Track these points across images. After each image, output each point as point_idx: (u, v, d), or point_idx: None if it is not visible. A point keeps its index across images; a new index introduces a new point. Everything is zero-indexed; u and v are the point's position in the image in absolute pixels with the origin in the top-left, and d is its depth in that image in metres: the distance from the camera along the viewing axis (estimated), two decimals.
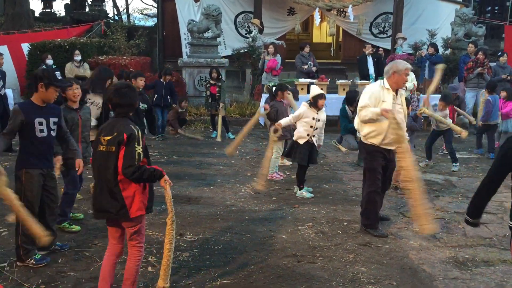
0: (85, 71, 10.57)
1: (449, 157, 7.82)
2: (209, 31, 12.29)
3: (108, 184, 3.30)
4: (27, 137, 4.05)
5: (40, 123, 4.05)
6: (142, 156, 3.27)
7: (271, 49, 11.11)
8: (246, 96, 12.57)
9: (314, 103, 6.12)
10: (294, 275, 4.11)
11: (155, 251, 4.48)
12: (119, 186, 3.29)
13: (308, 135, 6.15)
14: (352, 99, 7.99)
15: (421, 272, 4.22)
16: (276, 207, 5.86)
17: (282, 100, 7.19)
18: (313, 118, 6.11)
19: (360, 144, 5.29)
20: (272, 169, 7.01)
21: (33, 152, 4.08)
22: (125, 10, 28.60)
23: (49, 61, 10.34)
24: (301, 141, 6.16)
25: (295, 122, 6.30)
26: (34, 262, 4.16)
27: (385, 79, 4.93)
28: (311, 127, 6.14)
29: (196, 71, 12.15)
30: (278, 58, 11.09)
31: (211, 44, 12.44)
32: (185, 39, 14.24)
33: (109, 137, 3.28)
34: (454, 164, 7.64)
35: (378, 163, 4.99)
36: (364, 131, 5.01)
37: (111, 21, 18.57)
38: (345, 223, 5.35)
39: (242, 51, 13.37)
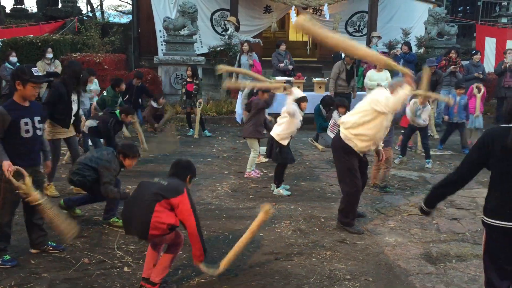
0: (56, 67, 10.36)
1: (423, 154, 7.95)
2: (185, 28, 12.19)
3: None
4: (12, 138, 3.94)
5: (26, 124, 3.98)
6: None
7: (245, 47, 11.08)
8: (222, 94, 12.53)
9: (298, 106, 6.20)
10: (271, 273, 4.12)
11: (131, 251, 4.44)
12: None
13: (291, 136, 6.27)
14: (327, 103, 8.30)
15: (396, 268, 4.28)
16: (253, 205, 5.86)
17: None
18: (300, 121, 6.23)
19: (337, 141, 5.12)
20: (250, 167, 7.03)
21: (18, 153, 3.97)
22: (99, 7, 28.22)
23: (13, 59, 9.90)
24: (285, 142, 6.20)
25: (275, 121, 6.37)
26: (0, 262, 4.06)
27: (388, 89, 5.17)
28: (297, 128, 6.27)
29: (172, 69, 12.06)
30: (254, 55, 11.07)
31: (187, 42, 12.35)
32: (161, 37, 14.10)
33: None
34: (427, 160, 7.76)
35: (355, 162, 5.05)
36: (357, 131, 4.91)
37: (84, 17, 18.27)
38: (322, 220, 5.38)
39: (219, 49, 13.31)
